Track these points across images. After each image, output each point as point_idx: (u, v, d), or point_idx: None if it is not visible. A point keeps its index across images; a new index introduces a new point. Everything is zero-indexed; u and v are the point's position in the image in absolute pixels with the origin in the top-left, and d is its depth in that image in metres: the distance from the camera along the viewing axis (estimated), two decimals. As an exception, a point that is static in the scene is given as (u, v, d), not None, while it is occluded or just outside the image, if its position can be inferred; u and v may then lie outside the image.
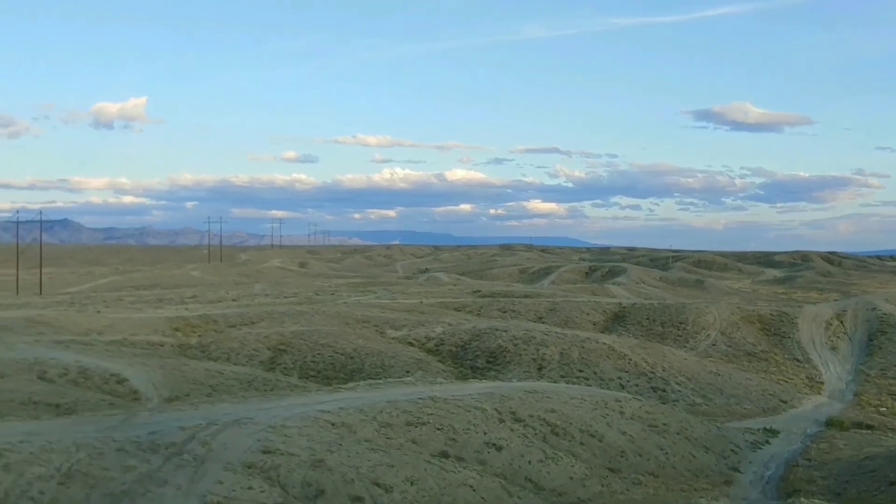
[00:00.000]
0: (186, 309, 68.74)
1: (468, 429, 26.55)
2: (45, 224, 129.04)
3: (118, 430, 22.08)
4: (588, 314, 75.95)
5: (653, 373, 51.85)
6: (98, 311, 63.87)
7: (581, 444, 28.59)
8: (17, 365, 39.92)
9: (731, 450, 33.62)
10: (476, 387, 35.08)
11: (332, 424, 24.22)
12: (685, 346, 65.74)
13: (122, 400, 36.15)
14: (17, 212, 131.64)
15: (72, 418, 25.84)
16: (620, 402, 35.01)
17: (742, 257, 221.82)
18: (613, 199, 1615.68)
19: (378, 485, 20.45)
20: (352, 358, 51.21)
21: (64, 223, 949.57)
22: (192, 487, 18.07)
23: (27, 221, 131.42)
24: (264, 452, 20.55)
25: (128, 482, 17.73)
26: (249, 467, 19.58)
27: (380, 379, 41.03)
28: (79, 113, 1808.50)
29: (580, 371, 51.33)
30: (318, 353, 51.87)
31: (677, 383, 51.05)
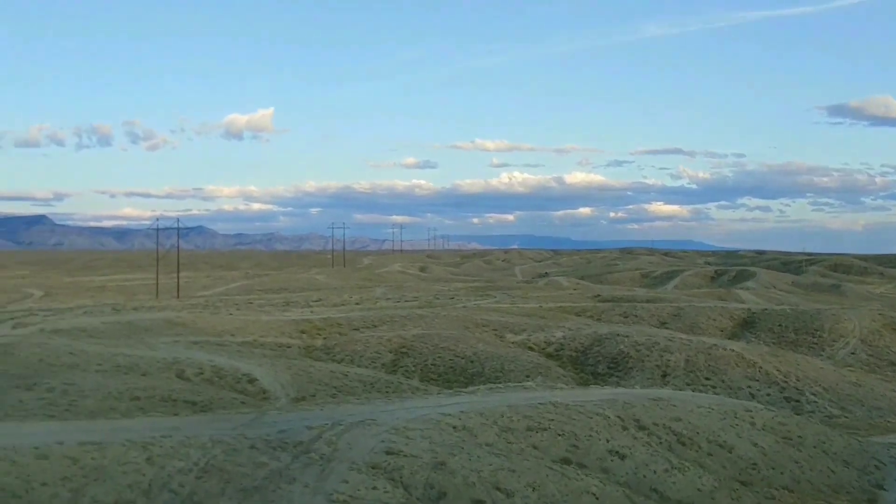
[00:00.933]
0: (312, 312, 70.96)
1: (590, 435, 26.08)
2: (181, 231, 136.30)
3: (250, 427, 22.99)
4: (715, 320, 73.34)
5: (786, 382, 49.44)
6: (230, 314, 66.84)
7: (709, 454, 27.54)
8: (157, 364, 42.35)
9: (875, 466, 31.52)
10: (598, 393, 34.44)
11: (454, 428, 24.32)
12: (821, 355, 62.34)
13: (252, 399, 37.70)
14: (157, 220, 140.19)
15: (207, 415, 27.13)
16: (751, 412, 33.50)
17: (884, 260, 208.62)
18: (740, 201, 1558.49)
19: (499, 489, 20.36)
20: (472, 361, 51.42)
21: (199, 230, 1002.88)
22: (319, 486, 18.55)
23: (166, 229, 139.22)
24: (388, 454, 20.86)
25: (259, 478, 18.40)
26: (374, 468, 19.92)
27: (499, 383, 41.02)
28: (212, 125, 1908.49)
29: (707, 379, 49.59)
30: (439, 357, 52.38)
31: (813, 394, 48.46)
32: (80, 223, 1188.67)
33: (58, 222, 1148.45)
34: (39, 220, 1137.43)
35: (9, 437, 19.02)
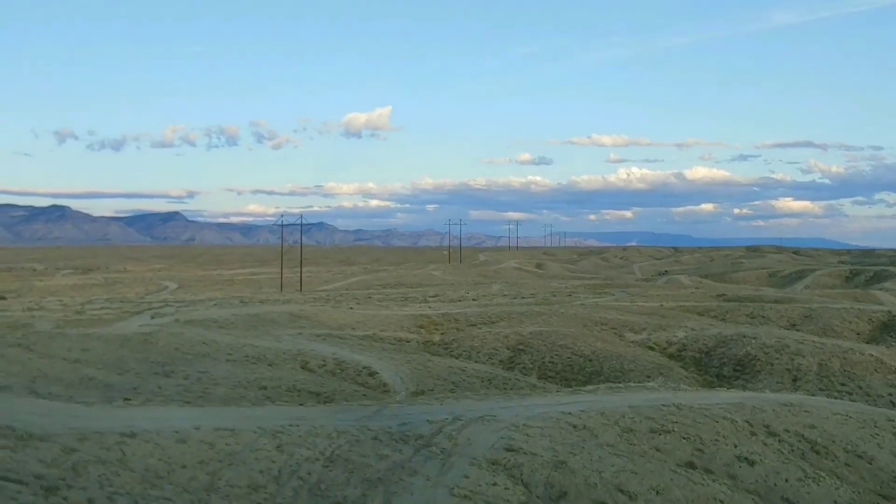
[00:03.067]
0: (429, 307, 71.82)
1: (716, 440, 25.16)
2: (304, 227, 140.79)
3: (372, 419, 23.47)
4: (851, 322, 69.34)
5: (931, 390, 46.20)
6: (350, 308, 68.54)
7: (846, 465, 26.03)
8: (283, 355, 43.94)
9: None
10: (723, 396, 33.23)
11: (574, 427, 24.01)
12: (970, 362, 57.82)
13: (373, 391, 38.54)
14: (281, 216, 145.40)
15: (331, 406, 27.88)
16: (893, 421, 31.45)
17: None
18: (878, 196, 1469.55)
19: (622, 491, 19.95)
20: (590, 360, 50.69)
21: (320, 226, 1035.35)
22: (440, 479, 18.71)
23: (289, 225, 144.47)
24: (508, 450, 20.82)
25: (382, 469, 18.74)
26: (494, 464, 19.92)
27: (619, 383, 40.22)
28: (332, 124, 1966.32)
29: (842, 385, 46.98)
30: (557, 354, 51.91)
31: (962, 403, 45.04)
32: (210, 219, 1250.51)
33: (190, 218, 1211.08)
34: (174, 216, 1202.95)
35: (152, 421, 20.15)
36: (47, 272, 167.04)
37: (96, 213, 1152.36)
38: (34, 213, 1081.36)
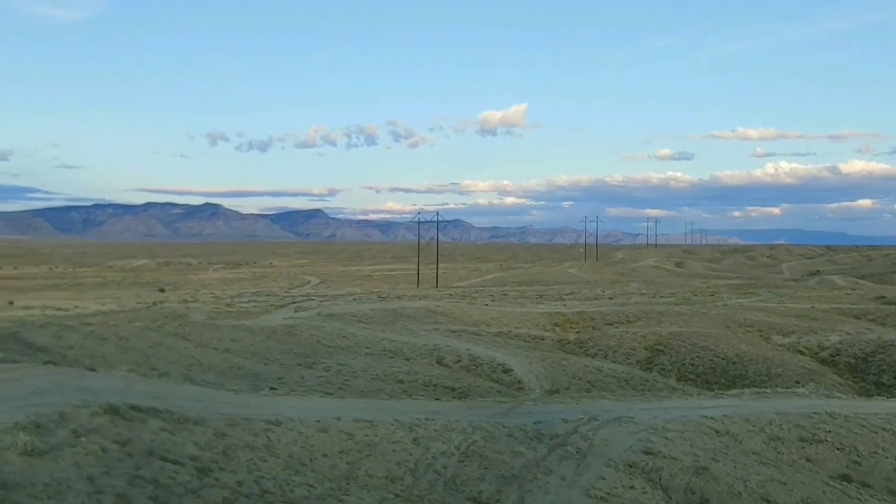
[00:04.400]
0: (565, 305, 71.10)
1: (875, 452, 23.49)
2: (440, 224, 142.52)
3: (507, 416, 23.43)
4: None
5: None
6: (485, 305, 68.89)
7: None
8: (419, 350, 44.70)
9: None
10: (883, 405, 30.94)
11: (717, 432, 23.07)
12: None
13: (507, 388, 38.52)
14: (418, 213, 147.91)
15: (466, 402, 28.06)
16: None
17: None
18: None
19: (768, 502, 18.96)
20: (734, 363, 48.59)
21: (456, 223, 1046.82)
22: (575, 480, 18.43)
23: (426, 222, 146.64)
24: (646, 453, 20.24)
25: (517, 467, 18.66)
26: (631, 466, 19.42)
27: (766, 388, 38.28)
28: (467, 122, 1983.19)
29: None
30: (697, 356, 50.11)
31: None
32: (349, 216, 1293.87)
33: (331, 216, 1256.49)
34: (316, 213, 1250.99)
35: (295, 410, 20.96)
36: (201, 266, 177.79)
37: (245, 210, 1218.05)
38: (189, 211, 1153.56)
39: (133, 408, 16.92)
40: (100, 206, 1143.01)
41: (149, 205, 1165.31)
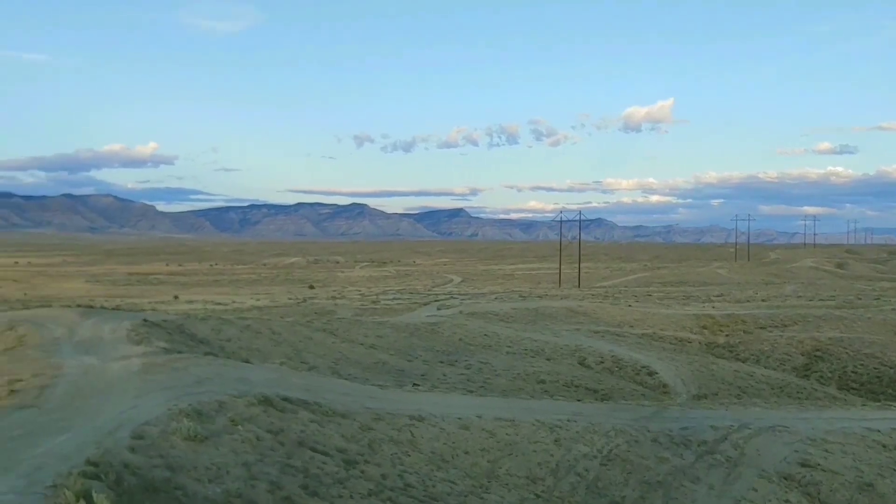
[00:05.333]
0: (713, 307, 68.31)
1: None
2: (582, 223, 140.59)
3: (651, 421, 22.76)
4: None
5: None
6: (629, 305, 67.28)
7: None
8: (561, 350, 44.24)
9: None
10: None
11: (883, 446, 21.44)
12: None
13: (652, 392, 37.43)
14: (560, 212, 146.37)
15: (608, 404, 27.50)
16: None
17: None
18: None
19: (944, 524, 17.44)
20: (902, 372, 45.04)
21: (598, 222, 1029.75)
22: (724, 489, 17.67)
23: (568, 221, 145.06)
24: (803, 465, 19.11)
25: (662, 473, 18.10)
26: (786, 478, 18.40)
27: (940, 400, 35.29)
28: (610, 119, 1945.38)
29: None
30: (861, 364, 46.80)
31: None
32: (491, 215, 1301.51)
33: (473, 215, 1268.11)
34: (458, 213, 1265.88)
35: (437, 407, 21.26)
36: (348, 264, 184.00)
37: (389, 210, 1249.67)
38: (337, 211, 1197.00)
39: (285, 399, 17.69)
40: (255, 207, 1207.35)
41: (299, 205, 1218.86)
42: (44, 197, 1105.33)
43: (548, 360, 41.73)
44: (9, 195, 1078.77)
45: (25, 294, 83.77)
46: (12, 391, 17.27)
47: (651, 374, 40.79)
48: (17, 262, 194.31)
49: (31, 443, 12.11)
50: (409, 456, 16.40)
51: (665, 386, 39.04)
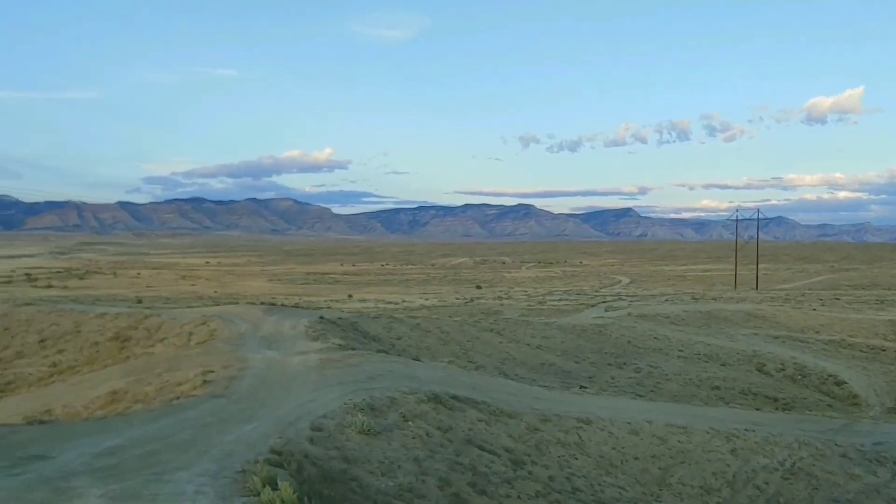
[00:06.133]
0: (911, 312, 62.65)
1: None
2: (760, 221, 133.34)
3: (839, 434, 21.19)
4: None
5: None
6: (814, 310, 63.01)
7: None
8: (737, 355, 42.13)
9: None
10: None
11: None
12: None
13: (839, 403, 34.85)
14: (736, 211, 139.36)
15: (791, 414, 25.88)
16: None
17: None
18: None
19: None
20: None
21: (778, 220, 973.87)
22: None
23: (744, 220, 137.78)
24: None
25: (852, 491, 16.79)
26: None
27: None
28: (791, 110, 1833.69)
29: None
30: None
31: None
32: (661, 215, 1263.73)
33: (642, 214, 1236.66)
34: (626, 212, 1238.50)
35: (605, 410, 20.86)
36: (514, 265, 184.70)
37: (556, 210, 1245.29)
38: (504, 212, 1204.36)
39: (453, 397, 17.99)
40: (424, 208, 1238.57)
41: (466, 206, 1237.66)
42: (231, 201, 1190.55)
43: (722, 365, 39.89)
44: (201, 200, 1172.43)
45: (216, 291, 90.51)
46: (205, 381, 18.67)
47: (839, 383, 38.00)
48: (208, 262, 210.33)
49: (222, 430, 13.01)
50: (577, 459, 16.19)
51: (855, 397, 36.22)
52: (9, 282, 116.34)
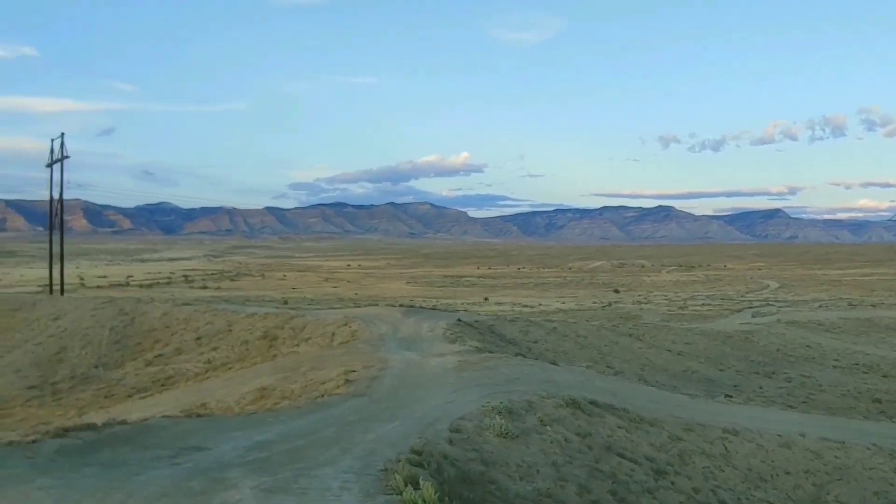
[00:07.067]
0: None
1: None
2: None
3: None
4: None
5: None
6: None
7: None
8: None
9: None
10: None
11: None
12: None
13: None
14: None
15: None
16: None
17: None
18: None
19: None
20: None
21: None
22: None
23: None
24: None
25: None
26: None
27: None
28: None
29: None
30: None
31: None
32: (813, 216, 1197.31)
33: (792, 215, 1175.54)
34: (775, 213, 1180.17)
35: (753, 421, 19.91)
36: (653, 268, 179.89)
37: (698, 212, 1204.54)
38: (642, 214, 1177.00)
39: (592, 403, 17.69)
40: (560, 211, 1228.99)
41: (604, 209, 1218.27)
42: (371, 206, 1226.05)
43: (884, 377, 37.21)
44: (343, 205, 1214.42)
45: (356, 293, 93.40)
46: (348, 380, 19.25)
47: None
48: (349, 265, 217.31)
49: (364, 428, 13.36)
50: (723, 471, 15.52)
51: None
52: (169, 282, 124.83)
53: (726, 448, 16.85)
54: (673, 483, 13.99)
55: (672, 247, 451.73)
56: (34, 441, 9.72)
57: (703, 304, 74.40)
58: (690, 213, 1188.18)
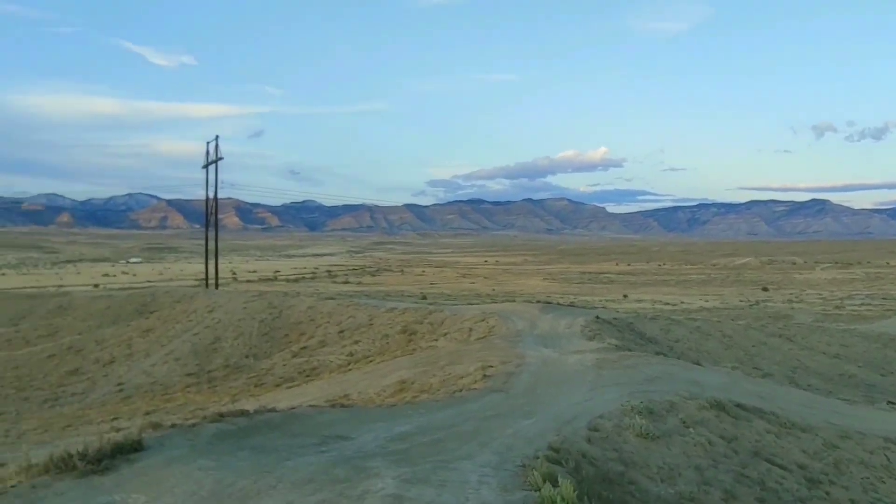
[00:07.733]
0: None
1: None
2: None
3: None
4: None
5: None
6: None
7: None
8: None
9: None
10: None
11: None
12: None
13: None
14: None
15: None
16: None
17: None
18: None
19: None
20: None
21: None
22: None
23: None
24: None
25: None
26: None
27: None
28: None
29: None
30: None
31: None
32: None
33: None
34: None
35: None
36: (806, 266, 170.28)
37: (857, 205, 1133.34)
38: (794, 208, 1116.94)
39: (738, 405, 16.98)
40: (703, 206, 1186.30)
41: (751, 203, 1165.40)
42: (508, 202, 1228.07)
43: None
44: (480, 201, 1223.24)
45: (493, 289, 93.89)
46: (485, 376, 19.38)
47: None
48: (486, 261, 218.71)
49: (502, 424, 13.40)
50: (884, 483, 14.50)
51: None
52: (313, 277, 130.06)
53: (888, 458, 15.75)
54: (828, 493, 13.21)
55: (827, 242, 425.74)
56: (194, 425, 10.39)
57: (861, 304, 69.75)
58: (848, 207, 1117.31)
